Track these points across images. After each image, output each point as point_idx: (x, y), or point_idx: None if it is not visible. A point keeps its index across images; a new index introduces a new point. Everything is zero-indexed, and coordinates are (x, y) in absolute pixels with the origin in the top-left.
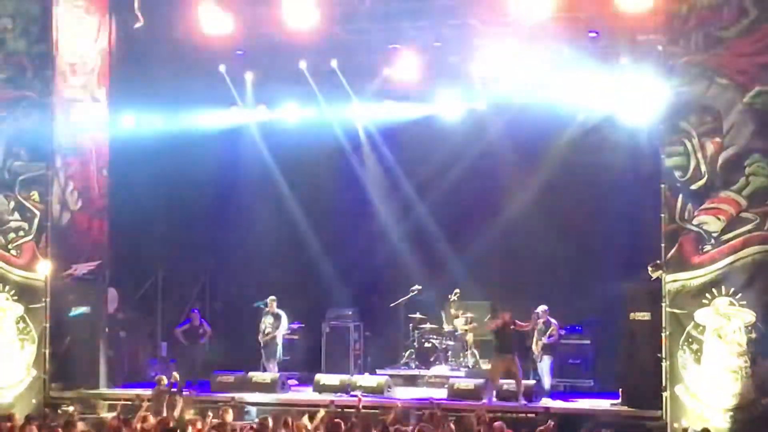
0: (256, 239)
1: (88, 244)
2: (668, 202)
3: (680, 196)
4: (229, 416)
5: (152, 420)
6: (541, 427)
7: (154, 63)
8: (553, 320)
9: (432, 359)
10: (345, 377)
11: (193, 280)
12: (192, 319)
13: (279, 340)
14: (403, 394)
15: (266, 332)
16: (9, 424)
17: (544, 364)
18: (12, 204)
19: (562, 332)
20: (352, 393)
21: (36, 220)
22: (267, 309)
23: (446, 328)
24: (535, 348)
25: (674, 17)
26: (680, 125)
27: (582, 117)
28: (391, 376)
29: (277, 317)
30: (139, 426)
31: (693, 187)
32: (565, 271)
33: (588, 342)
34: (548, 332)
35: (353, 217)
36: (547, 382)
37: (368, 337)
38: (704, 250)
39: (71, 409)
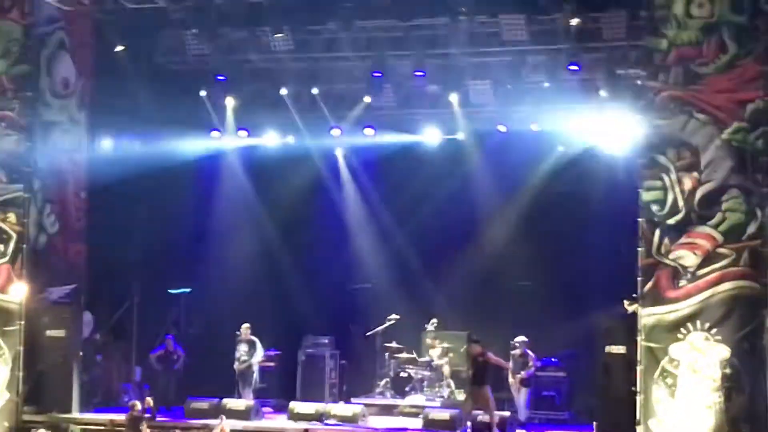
0: (233, 265)
1: (64, 267)
2: (645, 236)
3: (657, 230)
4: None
5: None
6: None
7: (135, 87)
8: (530, 352)
9: (407, 389)
10: (320, 405)
11: (169, 305)
12: (166, 345)
13: (255, 368)
14: (378, 423)
15: (241, 360)
16: None
17: (522, 397)
18: None
19: (538, 364)
20: (326, 422)
21: (12, 243)
22: (241, 336)
23: (422, 358)
24: (513, 380)
25: (654, 52)
26: (658, 159)
27: (561, 149)
28: (366, 405)
29: (251, 344)
30: None
31: (670, 221)
32: (542, 303)
33: (563, 374)
34: (527, 365)
35: (331, 245)
36: (523, 414)
37: (344, 366)
38: (680, 285)
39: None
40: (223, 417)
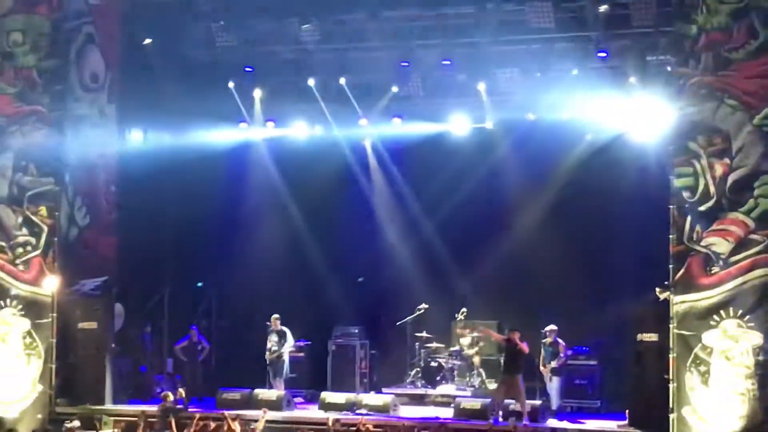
0: (263, 256)
1: (95, 260)
2: (677, 223)
3: (689, 217)
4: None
5: None
6: None
7: (163, 79)
8: (560, 341)
9: (438, 378)
10: (351, 395)
11: (200, 296)
12: (191, 336)
13: (285, 358)
14: (409, 412)
15: (272, 350)
16: None
17: (554, 385)
18: (20, 219)
19: (569, 353)
20: (357, 411)
21: (44, 235)
22: (271, 327)
23: (453, 347)
24: (544, 369)
25: (683, 38)
26: (689, 146)
27: (591, 137)
28: (397, 394)
29: (282, 335)
30: None
31: (701, 208)
32: (573, 292)
33: (595, 363)
34: (558, 354)
35: (360, 235)
36: (554, 402)
37: (374, 356)
38: (712, 272)
39: (75, 423)
40: (266, 410)
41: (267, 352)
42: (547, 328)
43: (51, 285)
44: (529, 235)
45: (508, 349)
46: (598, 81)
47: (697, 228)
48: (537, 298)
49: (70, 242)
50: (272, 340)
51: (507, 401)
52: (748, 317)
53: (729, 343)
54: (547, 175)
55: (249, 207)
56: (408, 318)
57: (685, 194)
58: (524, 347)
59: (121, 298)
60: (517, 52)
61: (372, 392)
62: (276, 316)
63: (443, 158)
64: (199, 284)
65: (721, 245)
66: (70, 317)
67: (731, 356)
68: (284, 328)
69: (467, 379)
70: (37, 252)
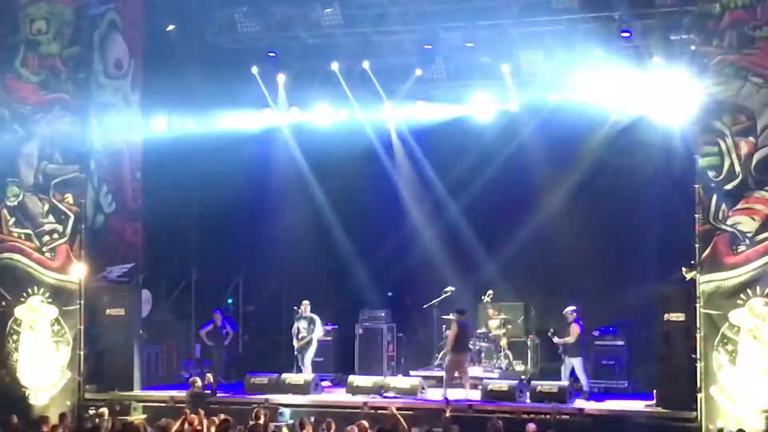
0: (288, 241)
1: (122, 247)
2: (702, 203)
3: (714, 196)
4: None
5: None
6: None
7: (187, 65)
8: (575, 324)
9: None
10: (378, 379)
11: (227, 281)
12: (215, 320)
13: (314, 344)
14: (437, 395)
15: (300, 336)
16: (45, 428)
17: (568, 366)
18: (46, 206)
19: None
20: (385, 395)
21: (70, 223)
22: (300, 313)
23: (480, 329)
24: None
25: (707, 17)
26: (714, 125)
27: (615, 117)
28: (424, 377)
29: (311, 321)
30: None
31: (727, 187)
32: (599, 272)
33: (622, 343)
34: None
35: (386, 219)
36: (583, 382)
37: (401, 339)
38: (738, 251)
39: (103, 410)
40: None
41: (294, 339)
42: (567, 309)
43: (78, 272)
44: (554, 216)
45: (459, 330)
46: (622, 61)
47: (723, 207)
48: (563, 279)
49: (96, 229)
50: (302, 327)
51: (535, 383)
52: None
53: (756, 322)
54: (571, 157)
55: (274, 192)
56: (434, 301)
57: (711, 173)
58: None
59: (147, 284)
60: (541, 34)
61: (399, 375)
62: (306, 302)
63: (467, 141)
64: (230, 300)
65: (747, 224)
66: (98, 304)
67: (758, 335)
68: (314, 315)
69: (494, 361)
70: (64, 240)
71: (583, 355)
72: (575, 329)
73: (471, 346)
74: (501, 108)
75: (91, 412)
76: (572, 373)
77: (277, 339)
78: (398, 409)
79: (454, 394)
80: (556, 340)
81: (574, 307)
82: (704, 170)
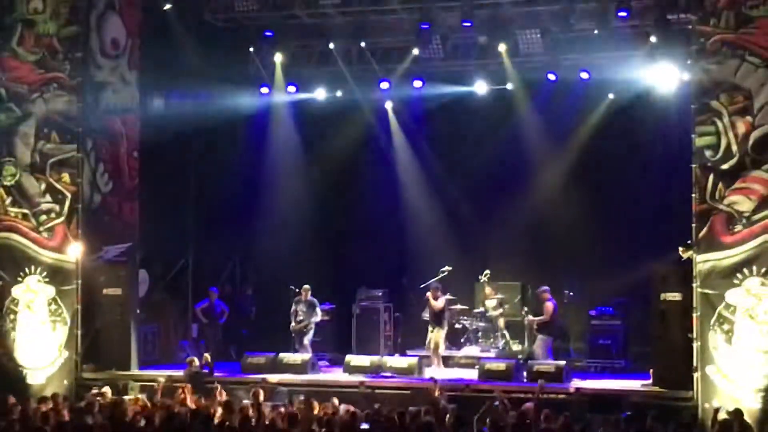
0: (286, 220)
1: (119, 226)
2: (699, 182)
3: (711, 175)
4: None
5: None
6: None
7: (184, 45)
8: (548, 301)
9: (462, 340)
10: (375, 358)
11: (224, 261)
12: (210, 298)
13: (312, 326)
14: (434, 375)
15: (298, 320)
16: (44, 407)
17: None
18: (43, 186)
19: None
20: (382, 374)
21: (67, 203)
22: (300, 297)
23: (477, 309)
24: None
25: None
26: (711, 104)
27: (612, 97)
28: (421, 357)
29: (311, 305)
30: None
31: (724, 166)
32: (596, 252)
33: (619, 323)
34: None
35: (383, 198)
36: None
37: (398, 318)
38: (735, 230)
39: (106, 389)
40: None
41: (293, 321)
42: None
43: (75, 252)
44: (551, 195)
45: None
46: (619, 41)
47: (720, 186)
48: (560, 259)
49: (93, 209)
50: (300, 310)
51: (531, 362)
52: None
53: (752, 302)
54: (569, 136)
55: (271, 172)
56: (431, 280)
57: (708, 153)
58: (437, 305)
59: (144, 264)
60: (538, 13)
61: (396, 355)
62: (307, 286)
63: (465, 120)
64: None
65: (743, 203)
66: (95, 284)
67: (755, 314)
68: (314, 300)
69: (491, 340)
70: (61, 219)
71: (555, 335)
72: (549, 307)
73: (468, 326)
74: (498, 87)
75: (94, 391)
76: (570, 352)
77: (274, 318)
78: (395, 388)
79: (451, 373)
80: (529, 318)
81: (547, 287)
82: (701, 150)
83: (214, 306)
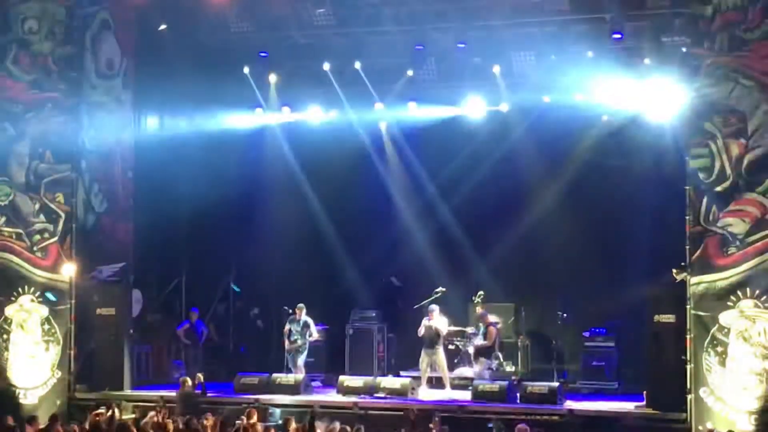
0: (279, 241)
1: (112, 246)
2: (693, 204)
3: (705, 198)
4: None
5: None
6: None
7: (179, 65)
8: (494, 326)
9: (456, 361)
10: (369, 379)
11: (217, 281)
12: (190, 319)
13: (305, 346)
14: (427, 395)
15: (293, 340)
16: (31, 428)
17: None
18: (37, 206)
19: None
20: (375, 395)
21: (61, 222)
22: (295, 316)
23: (470, 330)
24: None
25: (698, 18)
26: (705, 127)
27: (606, 118)
28: (414, 378)
29: (305, 325)
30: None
31: (718, 188)
32: (590, 274)
33: (612, 344)
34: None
35: (376, 219)
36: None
37: (392, 339)
38: (729, 253)
39: (103, 410)
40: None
41: (287, 341)
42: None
43: (69, 271)
44: (545, 217)
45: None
46: (613, 63)
47: (714, 209)
48: (554, 280)
49: (87, 229)
50: (295, 330)
51: (525, 383)
52: (765, 297)
53: (746, 324)
54: (562, 158)
55: (265, 192)
56: (425, 301)
57: (702, 175)
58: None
59: (138, 283)
60: (532, 35)
61: (390, 375)
62: (301, 305)
63: (459, 141)
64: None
65: (737, 226)
66: (88, 303)
67: (748, 336)
68: (308, 319)
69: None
70: (55, 239)
71: (494, 357)
72: (492, 332)
73: (462, 347)
74: (492, 109)
75: (101, 411)
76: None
77: (267, 338)
78: (388, 409)
79: (442, 395)
80: (476, 344)
81: (484, 311)
82: (695, 172)
83: (195, 327)
